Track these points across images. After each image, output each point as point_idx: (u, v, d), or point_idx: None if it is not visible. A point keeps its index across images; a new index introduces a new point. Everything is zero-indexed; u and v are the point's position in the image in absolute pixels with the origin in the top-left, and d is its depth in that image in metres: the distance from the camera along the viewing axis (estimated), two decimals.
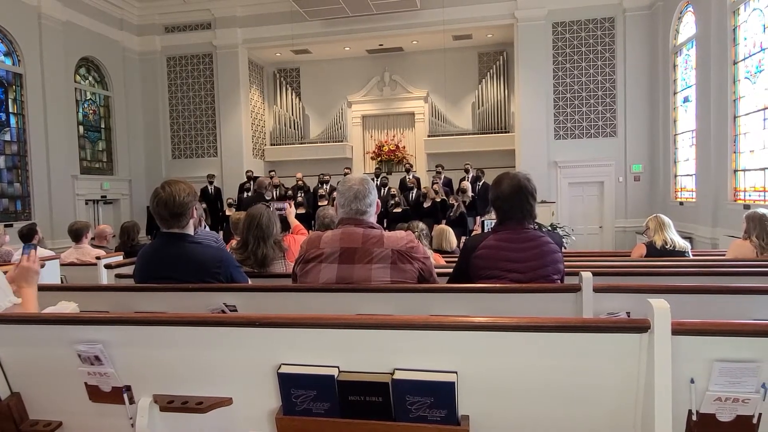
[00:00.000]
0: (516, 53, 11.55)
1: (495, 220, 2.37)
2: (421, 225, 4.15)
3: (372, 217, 2.32)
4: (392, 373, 1.38)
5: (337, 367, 1.41)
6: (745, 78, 7.85)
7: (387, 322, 1.39)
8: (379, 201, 2.37)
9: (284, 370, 1.43)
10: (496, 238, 2.22)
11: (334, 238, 2.27)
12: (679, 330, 1.21)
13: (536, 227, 2.33)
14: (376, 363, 1.39)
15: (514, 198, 2.20)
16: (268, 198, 8.83)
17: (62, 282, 4.79)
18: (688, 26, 9.75)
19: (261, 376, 1.46)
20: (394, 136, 14.07)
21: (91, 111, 12.00)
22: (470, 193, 9.42)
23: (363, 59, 13.77)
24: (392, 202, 9.54)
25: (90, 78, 11.97)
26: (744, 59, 7.86)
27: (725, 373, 1.22)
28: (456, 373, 1.35)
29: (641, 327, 1.23)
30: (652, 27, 10.83)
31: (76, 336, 1.53)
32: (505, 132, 12.70)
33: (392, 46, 13.15)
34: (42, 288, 2.36)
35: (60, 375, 1.59)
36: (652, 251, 4.14)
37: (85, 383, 1.58)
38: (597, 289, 2.01)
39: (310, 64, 14.14)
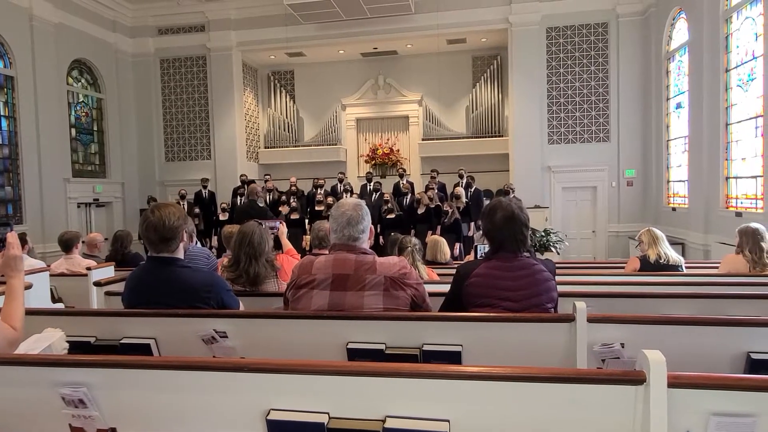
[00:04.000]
0: (510, 57, 11.55)
1: (487, 245, 2.35)
2: (414, 240, 4.13)
3: (365, 243, 2.30)
4: (383, 421, 1.35)
5: (327, 413, 1.38)
6: (737, 86, 7.88)
7: (377, 370, 1.36)
8: (372, 227, 2.34)
9: (273, 416, 1.40)
10: (488, 266, 2.20)
11: (327, 264, 2.24)
12: (675, 383, 1.19)
13: (530, 251, 2.31)
14: (366, 409, 1.37)
15: (507, 229, 2.18)
16: (261, 205, 8.79)
17: (52, 294, 4.75)
18: (680, 33, 9.78)
19: (249, 421, 1.43)
20: (388, 140, 14.05)
21: (83, 113, 11.91)
22: (464, 199, 9.40)
23: (357, 62, 13.74)
24: (385, 207, 9.50)
25: (82, 80, 11.87)
26: (736, 67, 7.90)
27: (722, 427, 1.20)
28: (448, 421, 1.33)
29: (637, 380, 1.21)
30: (645, 33, 10.86)
31: (60, 378, 1.49)
32: (499, 136, 12.70)
33: (386, 50, 13.12)
34: (28, 313, 2.32)
35: (44, 416, 1.55)
36: (646, 265, 4.14)
37: (70, 425, 1.55)
38: (591, 320, 2.00)
39: (304, 66, 14.09)
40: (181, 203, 10.85)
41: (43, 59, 10.21)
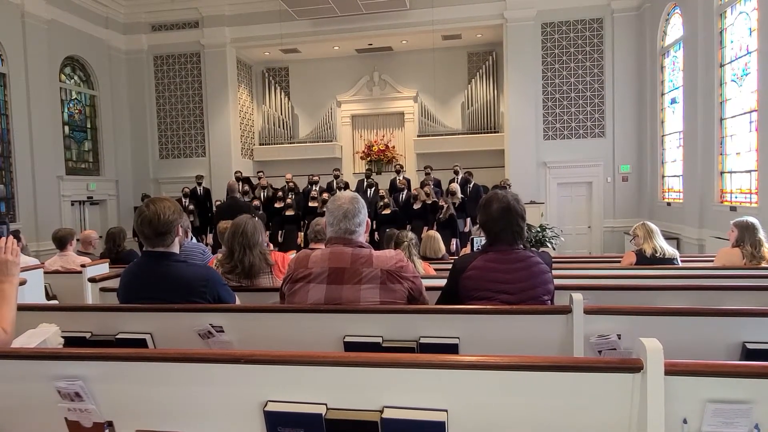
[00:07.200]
0: (505, 53, 11.55)
1: (483, 238, 2.35)
2: (410, 234, 4.12)
3: (361, 237, 2.29)
4: (381, 411, 1.35)
5: (325, 404, 1.38)
6: (732, 81, 7.91)
7: (375, 360, 1.36)
8: (368, 220, 2.34)
9: (271, 407, 1.40)
10: (485, 258, 2.20)
11: (323, 257, 2.23)
12: (672, 371, 1.20)
13: (525, 245, 2.31)
14: (364, 400, 1.37)
15: (503, 220, 2.18)
16: (245, 200, 8.71)
17: (47, 291, 4.72)
18: (675, 28, 9.80)
19: (247, 412, 1.43)
20: (383, 136, 14.03)
21: (76, 111, 11.83)
22: (459, 195, 9.40)
23: (352, 59, 13.71)
24: (381, 203, 9.50)
25: (75, 77, 11.80)
26: (730, 62, 7.92)
27: (718, 414, 1.21)
28: (446, 411, 1.32)
29: (634, 367, 1.22)
30: (640, 28, 10.88)
31: (56, 372, 1.48)
32: (495, 132, 12.71)
33: (381, 46, 13.09)
34: (22, 308, 2.31)
35: (39, 410, 1.55)
36: (642, 259, 4.15)
37: (66, 419, 1.54)
38: (588, 311, 2.00)
39: (299, 63, 14.04)
40: (183, 201, 10.80)
41: (35, 56, 10.13)
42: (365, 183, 11.08)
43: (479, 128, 12.91)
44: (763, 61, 6.80)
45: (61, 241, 5.27)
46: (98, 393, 1.49)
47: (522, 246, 2.24)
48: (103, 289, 3.20)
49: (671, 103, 10.07)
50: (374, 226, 9.22)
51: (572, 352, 1.98)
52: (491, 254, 2.21)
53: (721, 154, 8.18)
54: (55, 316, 2.36)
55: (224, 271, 2.98)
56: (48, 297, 4.68)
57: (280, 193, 10.59)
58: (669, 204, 10.05)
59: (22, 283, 3.04)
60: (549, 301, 2.20)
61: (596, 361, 1.32)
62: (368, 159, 13.83)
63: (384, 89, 13.81)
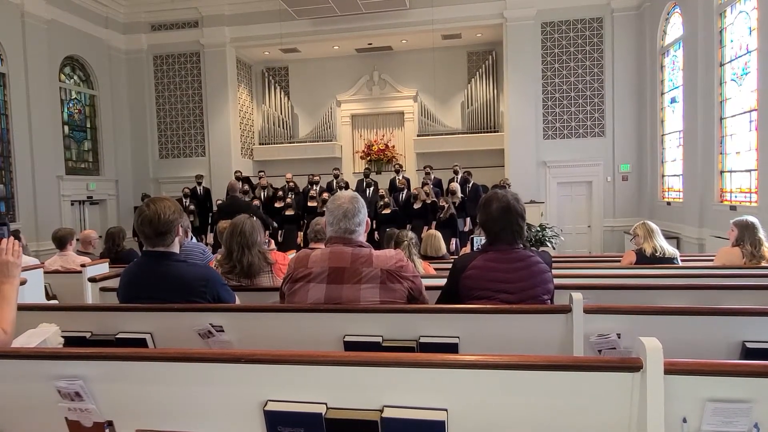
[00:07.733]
0: (505, 53, 11.55)
1: (483, 238, 2.35)
2: (411, 234, 4.12)
3: (361, 236, 2.29)
4: (381, 411, 1.35)
5: (325, 403, 1.38)
6: (732, 80, 7.91)
7: (375, 360, 1.36)
8: (368, 219, 2.34)
9: (271, 407, 1.40)
10: (485, 258, 2.21)
11: (323, 257, 2.23)
12: (671, 370, 1.20)
13: (525, 244, 2.31)
14: (364, 400, 1.37)
15: (503, 220, 2.18)
16: (248, 199, 8.68)
17: (47, 291, 4.72)
18: (675, 27, 9.80)
19: (247, 412, 1.43)
20: (383, 136, 14.03)
21: (76, 110, 11.83)
22: (459, 194, 9.41)
23: (352, 58, 13.71)
24: (381, 203, 9.50)
25: (75, 77, 11.80)
26: (730, 61, 7.92)
27: (718, 413, 1.21)
28: (446, 410, 1.33)
29: (633, 366, 1.22)
30: (639, 28, 10.89)
31: (56, 372, 1.49)
32: (495, 132, 12.71)
33: (381, 45, 13.09)
34: (22, 308, 2.31)
35: (39, 410, 1.55)
36: (642, 259, 4.15)
37: (66, 418, 1.54)
38: (587, 311, 2.00)
39: (298, 62, 14.04)
40: (184, 201, 10.81)
41: (35, 56, 10.13)
42: (364, 183, 11.08)
43: (479, 128, 12.91)
44: (762, 60, 6.81)
45: (61, 241, 5.27)
46: (98, 393, 1.50)
47: (522, 245, 2.24)
48: (103, 289, 3.20)
49: (671, 103, 10.07)
50: (374, 225, 9.22)
51: (572, 352, 1.98)
52: (491, 254, 2.22)
53: (721, 154, 8.18)
54: (55, 316, 2.36)
55: (223, 271, 2.98)
56: (48, 297, 4.68)
57: (280, 193, 10.60)
58: (669, 203, 10.05)
59: (22, 283, 3.04)
60: (549, 301, 2.21)
61: (596, 361, 1.32)
62: (368, 158, 13.83)
63: (384, 89, 13.81)
